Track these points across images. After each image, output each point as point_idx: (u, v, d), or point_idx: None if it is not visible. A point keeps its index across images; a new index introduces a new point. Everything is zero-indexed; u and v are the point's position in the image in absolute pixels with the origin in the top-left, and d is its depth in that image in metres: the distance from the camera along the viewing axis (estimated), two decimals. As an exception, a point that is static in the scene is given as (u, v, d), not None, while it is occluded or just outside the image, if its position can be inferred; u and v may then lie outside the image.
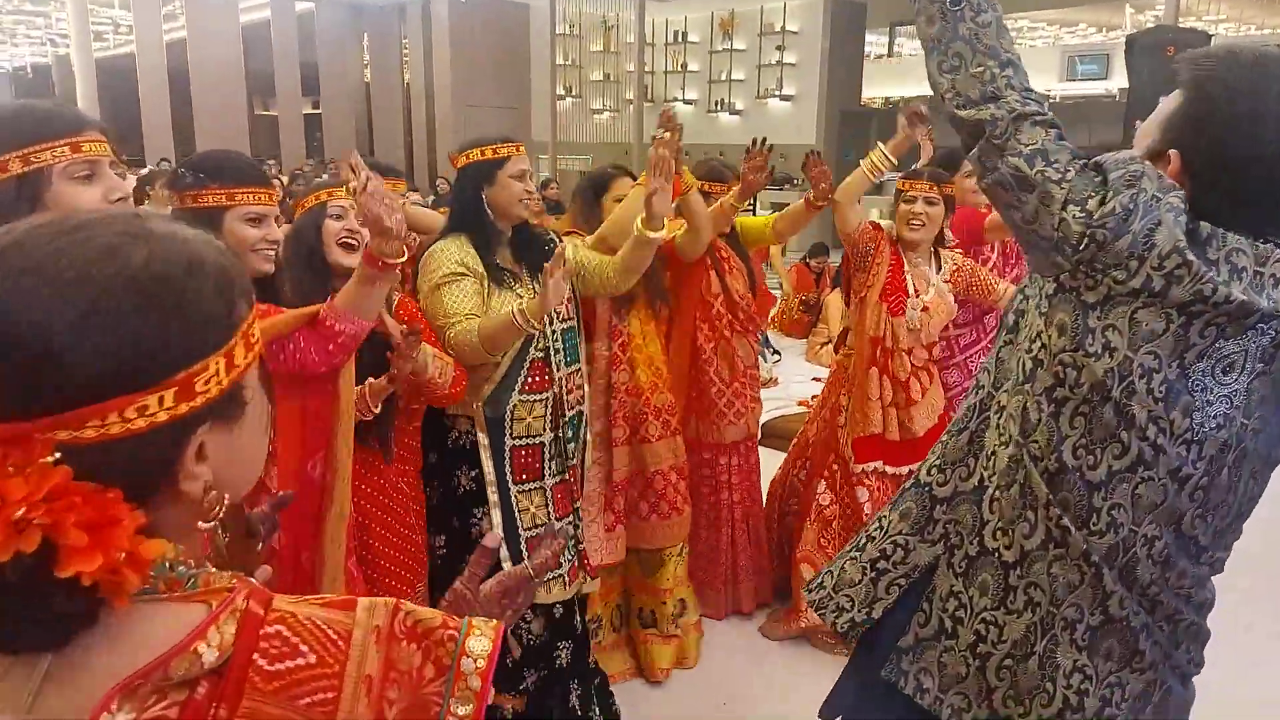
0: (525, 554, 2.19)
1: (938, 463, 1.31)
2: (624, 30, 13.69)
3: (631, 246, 2.22)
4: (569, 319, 2.28)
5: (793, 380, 6.00)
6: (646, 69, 13.94)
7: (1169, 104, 1.13)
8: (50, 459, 0.53)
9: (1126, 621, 1.14)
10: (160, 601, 0.61)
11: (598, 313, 2.57)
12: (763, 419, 3.30)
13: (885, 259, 2.75)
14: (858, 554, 1.39)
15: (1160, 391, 1.06)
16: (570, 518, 2.33)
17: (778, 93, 12.90)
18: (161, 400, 0.57)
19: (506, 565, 2.16)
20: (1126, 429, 1.08)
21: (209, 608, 0.61)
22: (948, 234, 2.92)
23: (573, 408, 2.28)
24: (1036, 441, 1.15)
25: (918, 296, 2.72)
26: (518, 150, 2.17)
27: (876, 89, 13.37)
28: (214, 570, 0.65)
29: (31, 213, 1.24)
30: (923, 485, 1.32)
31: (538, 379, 2.20)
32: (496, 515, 2.18)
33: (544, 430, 2.22)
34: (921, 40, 1.23)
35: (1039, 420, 1.14)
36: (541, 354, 2.20)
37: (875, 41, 14.33)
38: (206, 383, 0.60)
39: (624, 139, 11.98)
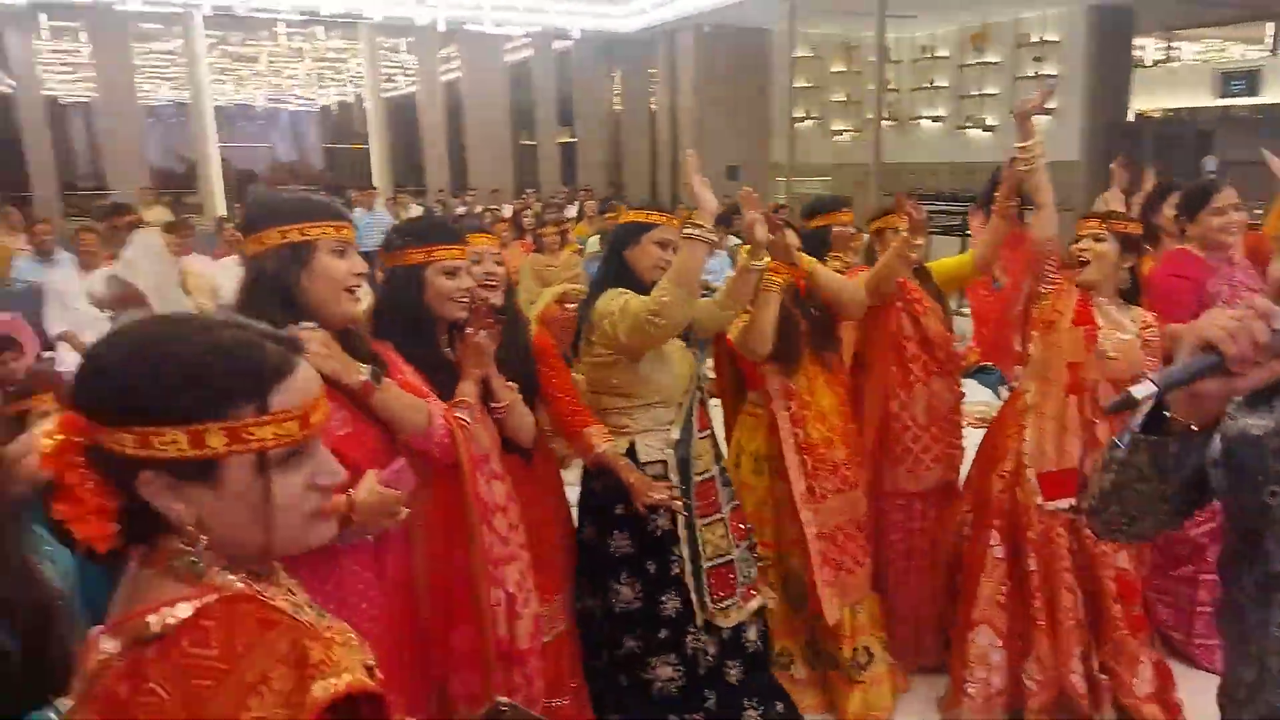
0: (708, 585, 2.35)
1: None
2: (867, 50, 13.53)
3: (735, 280, 2.35)
4: (704, 360, 2.53)
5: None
6: (891, 87, 13.67)
7: None
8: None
9: None
10: (167, 579, 0.85)
11: (769, 373, 2.66)
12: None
13: (1072, 290, 2.63)
14: None
15: None
16: (746, 542, 2.46)
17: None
18: (122, 441, 0.82)
19: (694, 599, 2.34)
20: None
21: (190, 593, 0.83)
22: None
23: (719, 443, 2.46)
24: None
25: (1111, 330, 2.58)
26: (665, 219, 2.33)
27: (1149, 100, 12.27)
28: (223, 571, 0.87)
29: (302, 271, 1.60)
30: None
31: (703, 419, 2.42)
32: (685, 550, 2.34)
33: (712, 464, 2.41)
34: None
35: None
36: (701, 395, 2.43)
37: (1149, 43, 13.19)
38: (164, 444, 0.81)
39: (863, 159, 11.81)
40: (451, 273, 1.95)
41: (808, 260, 2.70)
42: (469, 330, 1.93)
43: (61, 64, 15.83)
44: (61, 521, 0.83)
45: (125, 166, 12.85)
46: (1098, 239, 2.58)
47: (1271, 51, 12.04)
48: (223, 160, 14.32)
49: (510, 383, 2.07)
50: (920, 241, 2.71)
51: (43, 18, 12.54)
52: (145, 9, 11.26)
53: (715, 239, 2.18)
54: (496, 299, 2.17)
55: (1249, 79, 11.10)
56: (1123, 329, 2.58)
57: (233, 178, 16.50)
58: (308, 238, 1.61)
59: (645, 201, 2.51)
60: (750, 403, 2.78)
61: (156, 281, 4.94)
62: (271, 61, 17.04)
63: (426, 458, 1.83)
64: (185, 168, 17.09)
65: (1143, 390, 0.94)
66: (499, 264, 2.20)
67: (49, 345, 5.91)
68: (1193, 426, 1.03)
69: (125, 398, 0.82)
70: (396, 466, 1.69)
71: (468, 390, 1.93)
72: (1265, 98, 10.86)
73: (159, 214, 11.49)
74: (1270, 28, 12.26)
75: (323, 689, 0.78)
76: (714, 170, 14.11)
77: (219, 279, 6.21)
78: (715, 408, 2.79)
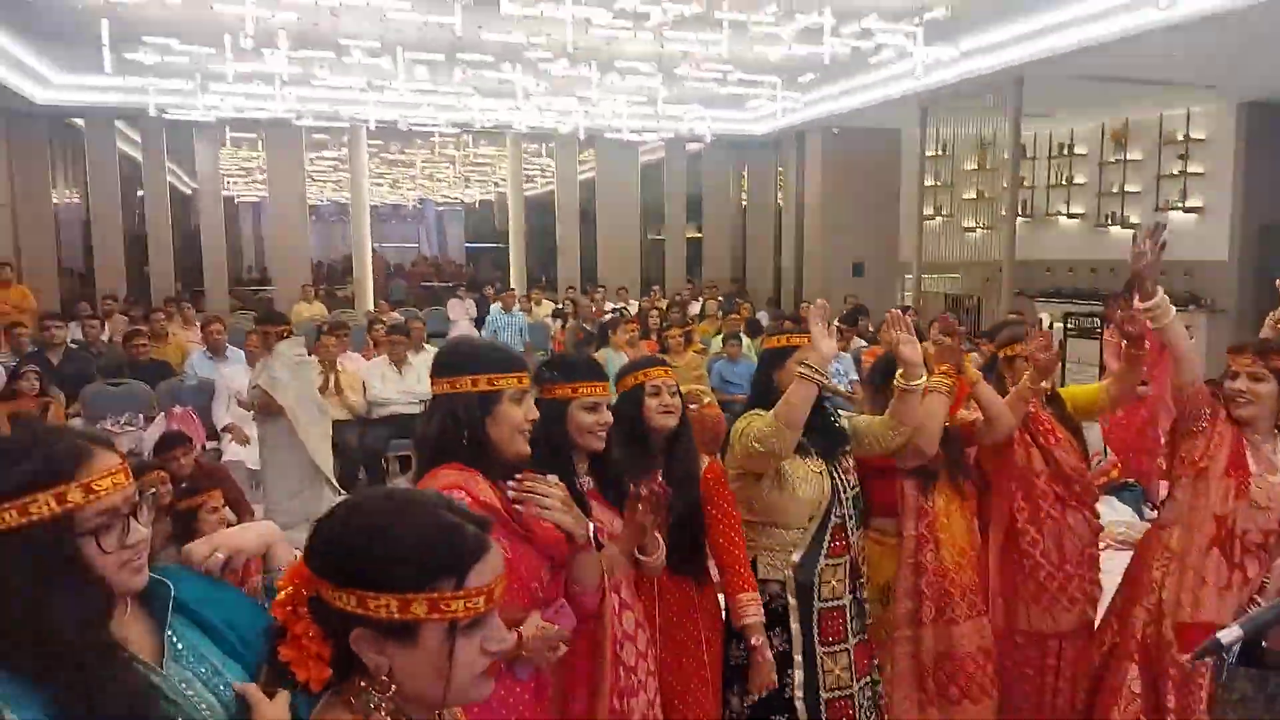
0: (823, 714, 2.34)
1: None
2: (1001, 147, 13.40)
3: (895, 400, 2.41)
4: (857, 486, 2.49)
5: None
6: (1027, 184, 13.43)
7: None
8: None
9: None
10: (344, 710, 1.05)
11: (905, 491, 2.69)
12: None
13: (1225, 431, 2.53)
14: None
15: None
16: (868, 677, 2.44)
17: (1181, 205, 11.74)
18: (344, 600, 1.01)
19: None
20: None
21: None
22: None
23: (863, 569, 2.45)
24: None
25: (1263, 476, 2.47)
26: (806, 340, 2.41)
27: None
28: (390, 715, 1.04)
29: (486, 418, 1.79)
30: None
31: (839, 543, 2.41)
32: (799, 675, 2.36)
33: (845, 593, 2.39)
34: None
35: None
36: (839, 520, 2.40)
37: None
38: (377, 606, 0.99)
39: (995, 257, 11.60)
40: (592, 408, 2.10)
41: (973, 372, 2.75)
42: (639, 507, 1.96)
43: (239, 168, 17.44)
44: (286, 663, 1.03)
45: (289, 262, 13.96)
46: (1256, 378, 2.49)
47: None
48: (373, 255, 15.35)
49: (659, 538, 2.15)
50: (1046, 385, 2.71)
51: (227, 129, 13.93)
52: (317, 124, 12.34)
53: (826, 381, 2.28)
54: (672, 422, 2.32)
55: None
56: (1276, 470, 2.48)
57: (382, 272, 17.65)
58: (495, 387, 1.82)
59: (785, 329, 2.61)
60: (879, 531, 2.78)
61: (296, 393, 5.36)
62: (424, 166, 18.28)
63: (576, 601, 1.94)
64: (342, 263, 18.35)
65: (1229, 635, 0.94)
66: (674, 394, 2.35)
67: (214, 435, 6.45)
68: None
69: (351, 564, 1.02)
70: (558, 606, 1.82)
71: (616, 556, 2.02)
72: None
73: (317, 309, 12.42)
74: None
75: None
76: (840, 267, 14.13)
77: (369, 377, 6.65)
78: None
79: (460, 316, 12.34)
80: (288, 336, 5.45)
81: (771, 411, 2.28)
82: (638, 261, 15.46)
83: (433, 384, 1.87)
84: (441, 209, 22.20)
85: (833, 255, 14.14)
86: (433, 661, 1.02)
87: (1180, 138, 11.67)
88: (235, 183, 17.94)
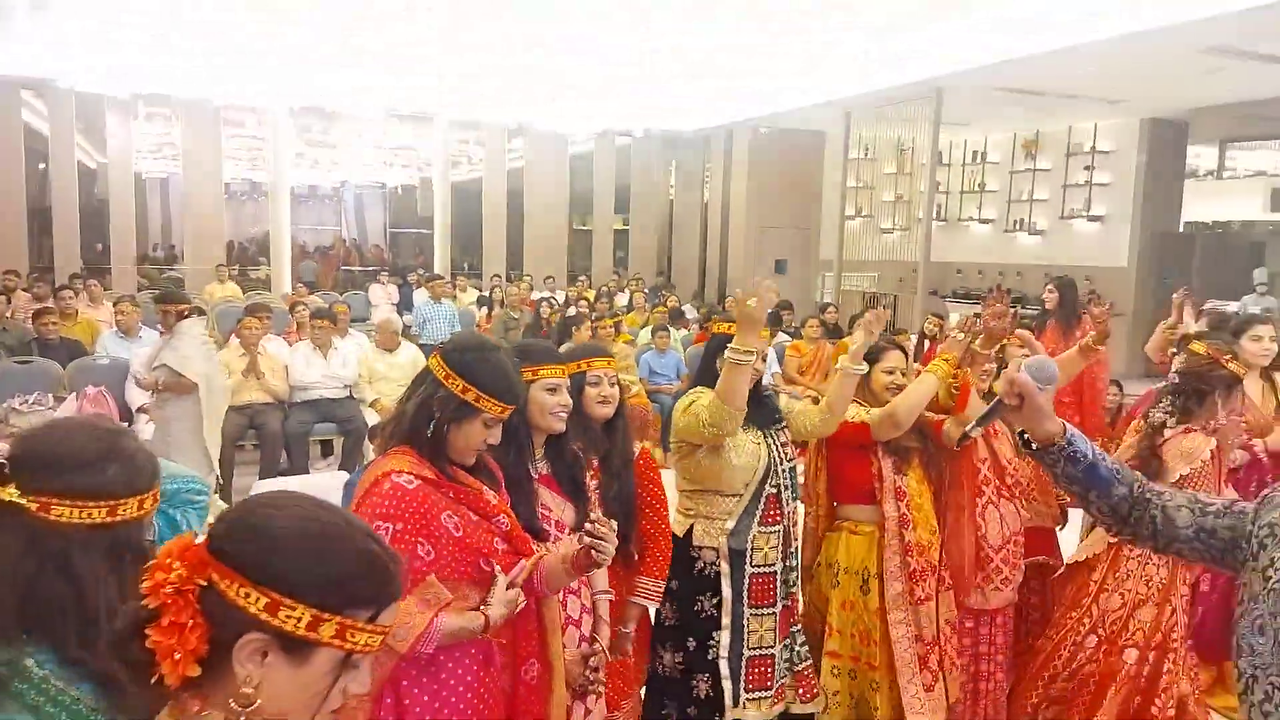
0: (745, 673, 2.48)
1: None
2: (919, 153, 13.84)
3: (838, 383, 2.58)
4: (794, 459, 2.62)
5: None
6: (942, 189, 13.92)
7: None
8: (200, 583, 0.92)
9: None
10: None
11: (883, 472, 2.78)
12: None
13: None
14: None
15: None
16: (788, 640, 2.60)
17: (1085, 213, 12.35)
18: (254, 599, 0.92)
19: (727, 685, 2.47)
20: None
21: None
22: None
23: (796, 539, 2.61)
24: None
25: None
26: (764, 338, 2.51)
27: (1201, 211, 12.34)
28: None
29: (453, 425, 1.81)
30: None
31: (773, 513, 2.55)
32: (725, 637, 2.48)
33: (776, 560, 2.53)
34: None
35: None
36: (774, 489, 2.53)
37: (1203, 154, 13.27)
38: (287, 616, 0.91)
39: (911, 258, 12.00)
40: (553, 390, 2.14)
41: (973, 378, 2.86)
42: (590, 548, 1.89)
43: (151, 144, 16.76)
44: (139, 653, 0.91)
45: (201, 241, 13.52)
46: None
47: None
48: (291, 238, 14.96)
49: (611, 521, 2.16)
50: (991, 368, 2.88)
51: (140, 103, 13.40)
52: (235, 101, 11.99)
53: (758, 366, 2.39)
54: (609, 411, 2.38)
55: (1302, 194, 11.16)
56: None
57: (299, 254, 17.17)
58: (477, 406, 1.84)
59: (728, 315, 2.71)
60: (850, 520, 2.86)
61: (206, 370, 5.28)
62: (347, 148, 17.85)
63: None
64: (256, 245, 17.81)
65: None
66: (613, 384, 2.40)
67: (127, 416, 6.25)
68: (1032, 444, 1.51)
69: (276, 565, 0.93)
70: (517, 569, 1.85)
71: (558, 573, 1.96)
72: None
73: (230, 290, 12.06)
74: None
75: None
76: (764, 264, 14.39)
77: (291, 361, 6.53)
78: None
79: (382, 301, 12.15)
80: (189, 315, 5.39)
81: (714, 392, 2.37)
82: (564, 251, 15.46)
83: (431, 358, 1.88)
84: (361, 191, 21.72)
85: (757, 252, 14.40)
86: (312, 687, 0.96)
87: (1087, 149, 12.26)
88: (146, 158, 17.23)
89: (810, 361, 7.63)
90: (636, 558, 2.45)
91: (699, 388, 2.58)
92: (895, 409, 2.70)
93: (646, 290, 12.59)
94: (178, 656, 0.90)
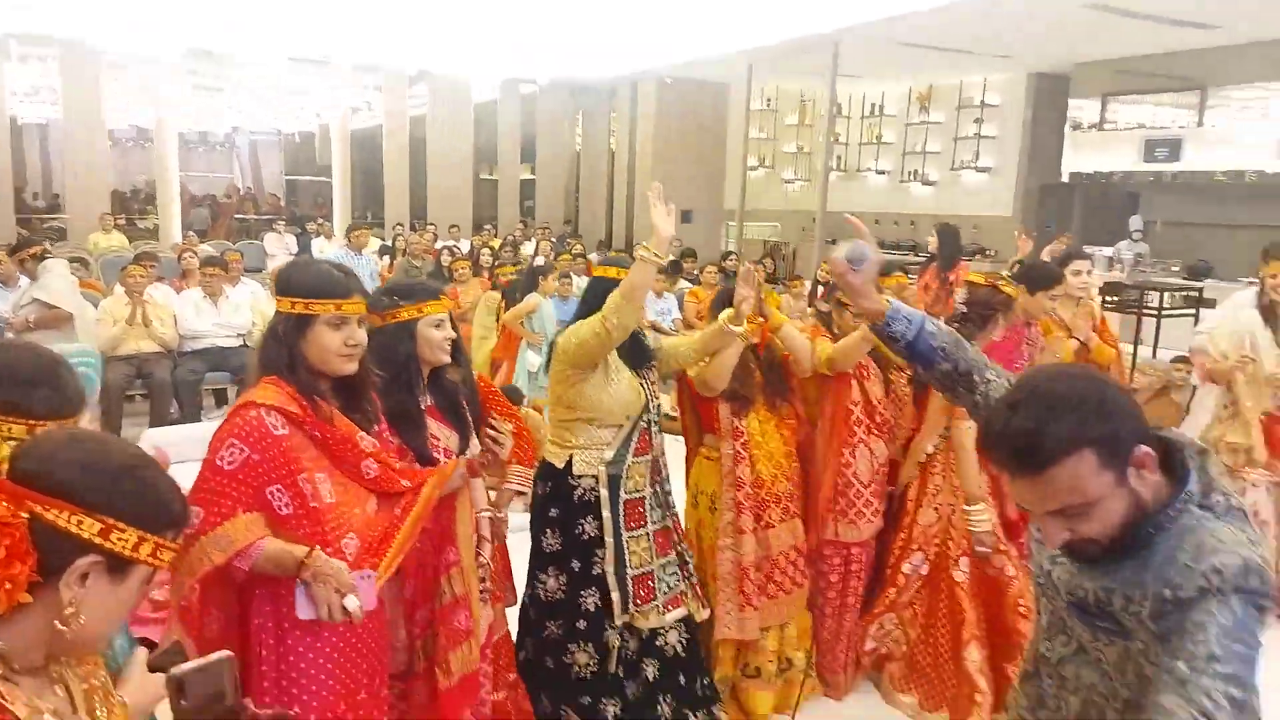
0: (631, 589, 2.65)
1: None
2: (820, 104, 14.11)
3: (712, 333, 2.75)
4: (659, 397, 2.82)
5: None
6: (841, 140, 14.24)
7: None
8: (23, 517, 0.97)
9: None
10: None
11: (721, 415, 2.99)
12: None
13: None
14: None
15: None
16: (671, 556, 2.80)
17: (974, 165, 12.83)
18: (86, 525, 0.98)
19: (615, 595, 2.64)
20: None
21: None
22: None
23: (665, 467, 2.81)
24: None
25: None
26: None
27: (1082, 162, 12.95)
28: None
29: (300, 340, 1.88)
30: None
31: (643, 444, 2.72)
32: (609, 553, 2.66)
33: (645, 486, 2.73)
34: None
35: None
36: (645, 424, 2.72)
37: (1086, 108, 13.89)
38: (119, 539, 0.99)
39: (811, 207, 12.30)
40: (439, 325, 2.25)
41: (779, 317, 3.06)
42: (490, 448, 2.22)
43: (27, 87, 15.78)
44: None
45: (84, 189, 12.88)
46: None
47: (1197, 123, 12.80)
48: (180, 186, 14.39)
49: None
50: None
51: (13, 44, 12.59)
52: (118, 43, 11.37)
53: (663, 262, 2.52)
54: (444, 357, 2.38)
55: (1172, 146, 11.80)
56: None
57: (189, 203, 16.54)
58: (310, 312, 1.90)
59: (614, 259, 2.83)
60: (707, 446, 3.09)
61: (77, 303, 5.17)
62: (239, 93, 17.13)
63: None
64: (144, 193, 17.06)
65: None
66: (452, 325, 2.46)
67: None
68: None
69: (106, 493, 1.01)
70: (364, 574, 1.86)
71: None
72: (1185, 164, 11.55)
73: (116, 240, 11.58)
74: (1197, 96, 13.03)
75: None
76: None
77: (181, 309, 6.38)
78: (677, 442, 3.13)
79: (279, 251, 11.86)
80: (46, 257, 5.32)
81: (616, 292, 2.46)
82: (470, 200, 15.28)
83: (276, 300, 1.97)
84: (257, 138, 20.92)
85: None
86: (127, 602, 1.06)
87: (976, 103, 12.69)
88: (22, 102, 16.22)
89: (709, 307, 7.80)
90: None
91: (582, 320, 2.68)
92: (705, 374, 2.90)
93: (553, 240, 12.59)
94: (9, 586, 0.95)
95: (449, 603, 2.25)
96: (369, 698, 1.96)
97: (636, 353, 2.77)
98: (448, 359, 2.28)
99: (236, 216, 17.91)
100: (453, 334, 2.29)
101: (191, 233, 12.54)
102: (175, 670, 1.15)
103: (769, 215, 14.59)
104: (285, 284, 1.93)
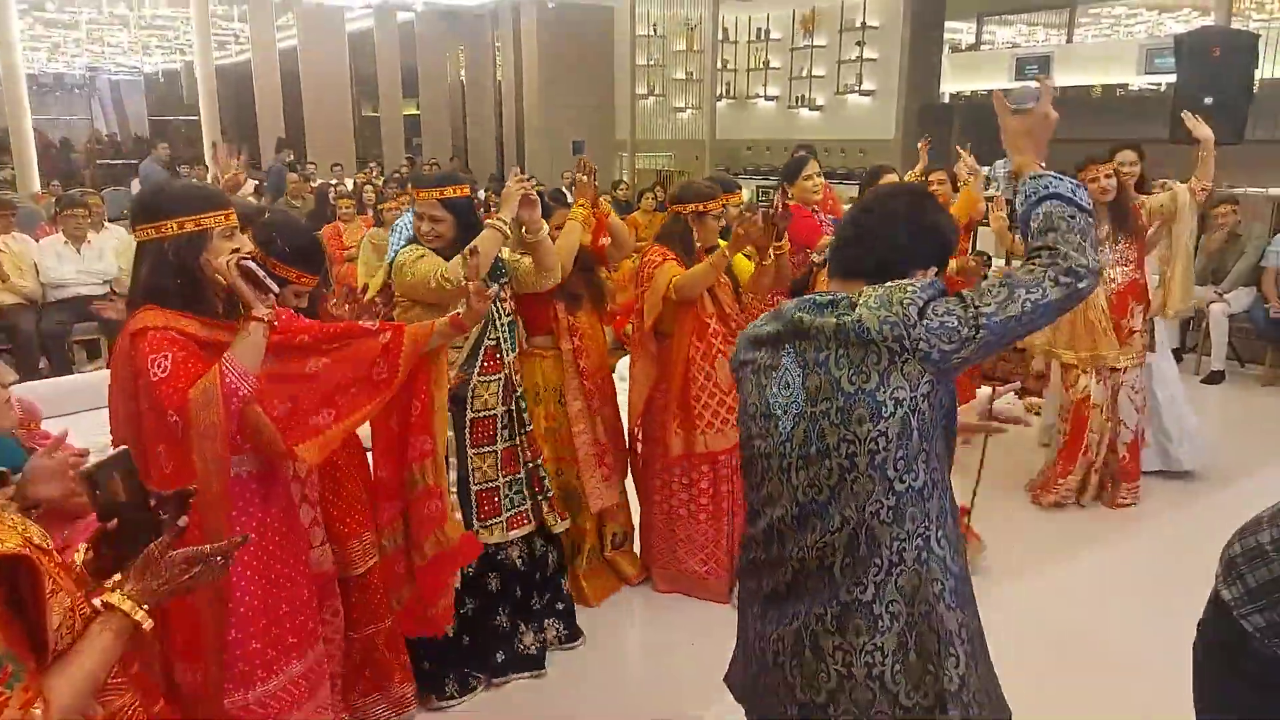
0: (475, 504, 2.75)
1: None
2: (706, 30, 14.03)
3: (530, 249, 2.82)
4: (511, 314, 2.86)
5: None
6: (730, 66, 14.22)
7: None
8: None
9: None
10: None
11: (557, 314, 3.13)
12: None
13: None
14: None
15: None
16: (520, 475, 2.87)
17: (857, 88, 13.01)
18: None
19: (458, 514, 2.70)
20: None
21: None
22: None
23: (519, 387, 2.86)
24: None
25: None
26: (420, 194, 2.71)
27: (959, 83, 13.29)
28: None
29: (197, 258, 1.81)
30: None
31: (492, 364, 2.77)
32: (452, 475, 2.71)
33: (497, 404, 2.78)
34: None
35: None
36: (493, 342, 2.76)
37: (963, 29, 14.21)
38: None
39: (702, 136, 12.33)
40: (229, 235, 2.04)
41: (606, 206, 3.22)
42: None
43: None
44: None
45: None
46: None
47: (1067, 40, 13.27)
48: (36, 132, 13.40)
49: None
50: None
51: None
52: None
53: (507, 233, 2.64)
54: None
55: (1041, 63, 12.21)
56: None
57: (46, 150, 15.43)
58: (203, 227, 1.83)
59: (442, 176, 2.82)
60: (536, 346, 3.19)
61: None
62: (91, 28, 15.97)
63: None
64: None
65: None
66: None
67: None
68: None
69: None
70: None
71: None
72: (1055, 81, 11.99)
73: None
74: (1066, 15, 13.48)
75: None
76: (561, 145, 14.33)
77: (42, 258, 6.03)
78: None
79: (149, 197, 11.22)
80: None
81: (458, 259, 2.54)
82: (351, 137, 14.74)
83: (135, 232, 1.86)
84: (117, 78, 19.60)
85: (553, 133, 14.29)
86: None
87: (858, 25, 12.82)
88: None
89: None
90: None
91: (411, 246, 2.70)
92: (545, 259, 2.92)
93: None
94: None
95: (420, 491, 2.32)
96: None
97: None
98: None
99: (100, 162, 16.85)
100: (246, 246, 2.12)
101: (55, 183, 11.74)
102: (83, 468, 1.25)
103: (661, 145, 14.55)
104: (156, 208, 1.84)
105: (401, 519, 2.40)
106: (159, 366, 1.75)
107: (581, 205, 3.12)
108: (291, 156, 12.72)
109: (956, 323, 1.31)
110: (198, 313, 1.84)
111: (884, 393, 1.32)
